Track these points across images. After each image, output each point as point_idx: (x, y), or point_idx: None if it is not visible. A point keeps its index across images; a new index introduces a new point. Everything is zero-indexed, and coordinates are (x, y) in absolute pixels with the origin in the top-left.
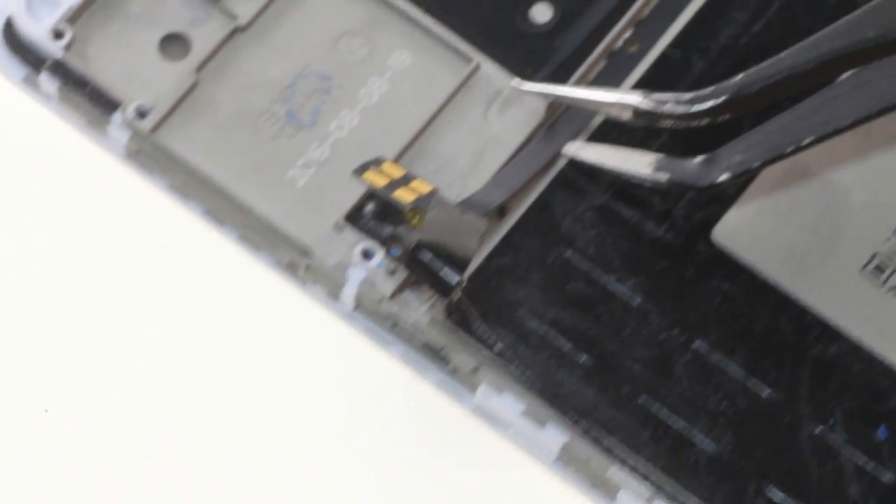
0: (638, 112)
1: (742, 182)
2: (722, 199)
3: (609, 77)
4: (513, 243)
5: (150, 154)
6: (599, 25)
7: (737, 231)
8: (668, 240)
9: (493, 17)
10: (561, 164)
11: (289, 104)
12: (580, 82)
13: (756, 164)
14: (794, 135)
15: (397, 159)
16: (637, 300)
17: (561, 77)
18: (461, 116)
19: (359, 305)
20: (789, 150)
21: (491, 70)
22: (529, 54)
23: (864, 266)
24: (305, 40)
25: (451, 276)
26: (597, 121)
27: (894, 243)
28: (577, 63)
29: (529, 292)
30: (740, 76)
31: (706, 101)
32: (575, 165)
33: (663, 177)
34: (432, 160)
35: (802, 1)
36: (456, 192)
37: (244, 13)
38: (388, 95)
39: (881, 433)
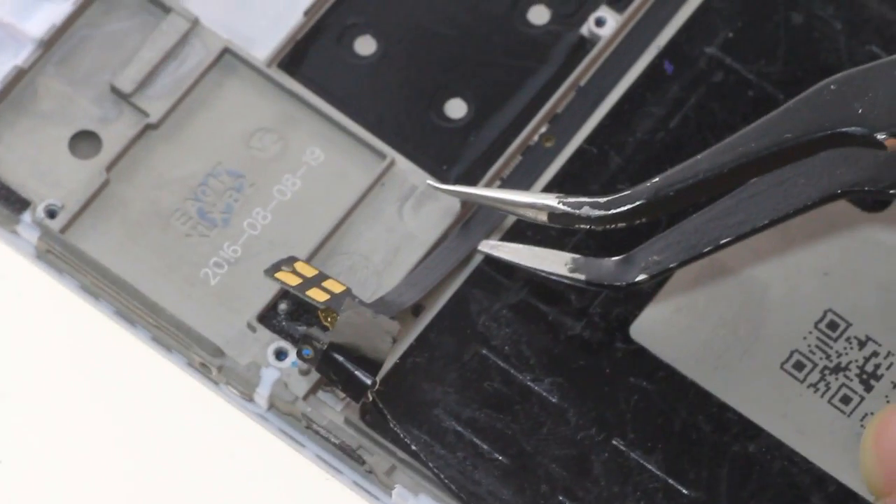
0: (553, 215)
1: (660, 279)
2: (640, 296)
3: (525, 172)
4: (428, 342)
5: (60, 254)
6: (514, 121)
7: (654, 328)
8: (585, 337)
9: (407, 113)
10: (476, 261)
11: (201, 202)
12: (496, 178)
13: (673, 265)
14: (711, 235)
15: (311, 257)
16: (555, 398)
17: (477, 172)
18: (376, 213)
19: (272, 406)
20: (706, 250)
21: (405, 166)
22: (444, 150)
23: (784, 363)
24: (217, 138)
25: (363, 378)
26: (511, 218)
27: (813, 340)
28: (493, 158)
29: (445, 391)
30: (657, 179)
31: (622, 204)
32: (491, 262)
33: (580, 277)
34: (347, 257)
35: (718, 97)
36: (371, 289)
37: (155, 111)
38: (301, 192)
39: None
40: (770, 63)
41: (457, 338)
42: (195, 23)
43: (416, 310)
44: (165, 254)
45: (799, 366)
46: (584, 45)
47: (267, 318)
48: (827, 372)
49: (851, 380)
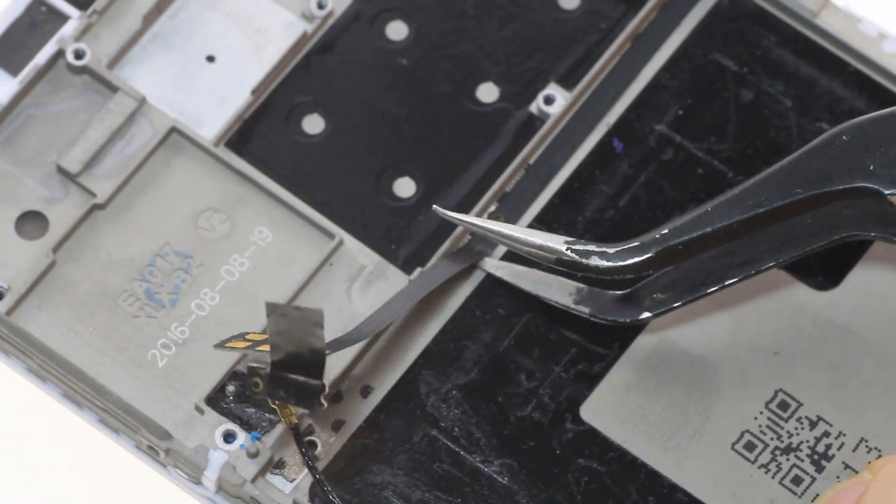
0: (560, 261)
1: (609, 359)
2: (589, 375)
3: (475, 249)
4: (377, 423)
5: (6, 336)
6: (464, 199)
7: (605, 408)
8: (535, 418)
9: (355, 192)
10: (426, 340)
11: (148, 283)
12: (445, 255)
13: (677, 304)
14: (716, 274)
15: None
16: (505, 480)
17: (426, 251)
18: (324, 293)
19: (220, 489)
20: (711, 290)
21: (354, 246)
22: (393, 229)
23: (735, 443)
24: (165, 218)
25: (312, 383)
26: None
27: (764, 420)
28: (443, 237)
29: (395, 473)
30: (665, 231)
31: (630, 257)
32: (440, 341)
33: (584, 310)
34: None
35: (667, 174)
36: None
37: (102, 191)
38: (249, 273)
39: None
40: (720, 140)
41: (406, 419)
42: (142, 102)
43: (365, 391)
44: (113, 335)
45: (750, 446)
46: (534, 122)
47: (215, 400)
48: (778, 452)
49: (803, 460)
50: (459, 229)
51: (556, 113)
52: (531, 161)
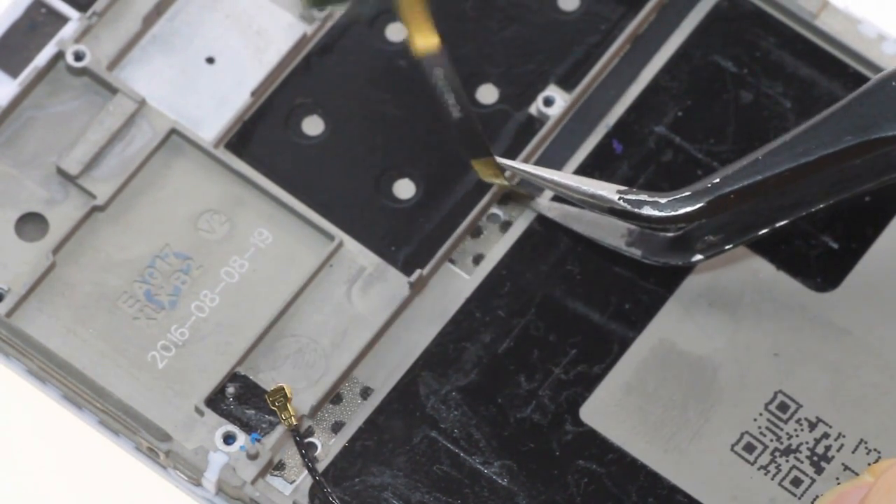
0: (613, 210)
1: (609, 360)
2: (589, 377)
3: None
4: (377, 425)
5: (6, 338)
6: (463, 200)
7: (604, 410)
8: (535, 420)
9: (355, 193)
10: (425, 342)
11: (148, 285)
12: (444, 258)
13: (728, 246)
14: (767, 216)
15: (259, 339)
16: (504, 482)
17: (426, 253)
18: (324, 295)
19: (220, 490)
20: (762, 231)
21: (354, 247)
22: (393, 230)
23: (734, 445)
24: (165, 219)
25: None
26: None
27: (764, 422)
28: (442, 239)
29: (394, 475)
30: (716, 180)
31: (682, 207)
32: (440, 343)
33: (636, 252)
34: (295, 340)
35: (667, 176)
36: (319, 372)
37: (102, 193)
38: (249, 274)
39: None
40: (719, 142)
41: (406, 421)
42: (142, 103)
43: (365, 393)
44: (112, 337)
45: (749, 448)
46: (533, 124)
47: (214, 401)
48: (777, 454)
49: (802, 462)
50: (459, 230)
51: (555, 114)
52: (531, 162)
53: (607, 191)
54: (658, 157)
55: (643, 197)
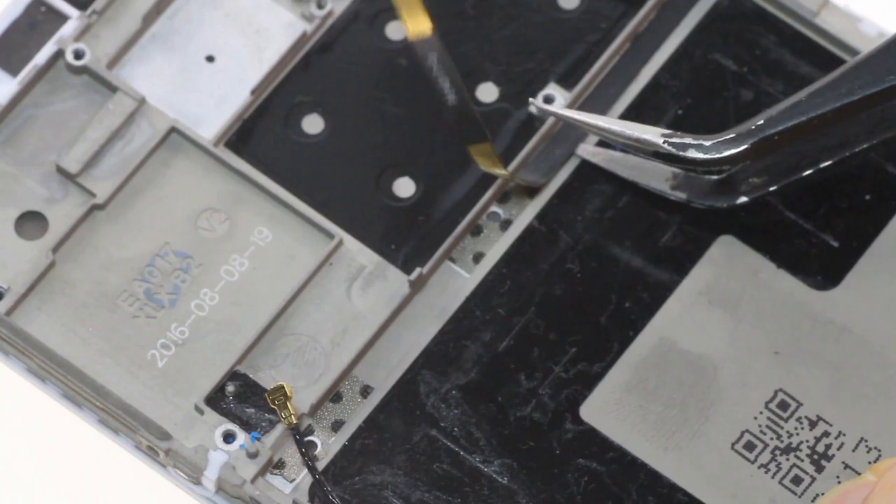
0: (657, 154)
1: (609, 359)
2: (589, 375)
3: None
4: (377, 423)
5: (5, 337)
6: (463, 199)
7: (604, 408)
8: (535, 418)
9: (355, 192)
10: (426, 340)
11: (148, 283)
12: (444, 256)
13: (773, 188)
14: (810, 157)
15: (259, 337)
16: (504, 480)
17: (426, 251)
18: (324, 293)
19: (220, 489)
20: (807, 172)
21: (354, 246)
22: (393, 229)
23: (735, 443)
24: (165, 218)
25: None
26: None
27: (764, 420)
28: (443, 237)
29: (394, 473)
30: (760, 121)
31: (726, 148)
32: (440, 341)
33: (681, 195)
34: (295, 338)
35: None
36: (319, 370)
37: (102, 191)
38: (249, 273)
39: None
40: None
41: (406, 419)
42: (142, 102)
43: (365, 391)
44: (112, 336)
45: (750, 446)
46: (533, 122)
47: (214, 400)
48: (778, 452)
49: (802, 460)
50: (459, 229)
51: (552, 113)
52: (531, 160)
53: (652, 134)
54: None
55: (688, 140)
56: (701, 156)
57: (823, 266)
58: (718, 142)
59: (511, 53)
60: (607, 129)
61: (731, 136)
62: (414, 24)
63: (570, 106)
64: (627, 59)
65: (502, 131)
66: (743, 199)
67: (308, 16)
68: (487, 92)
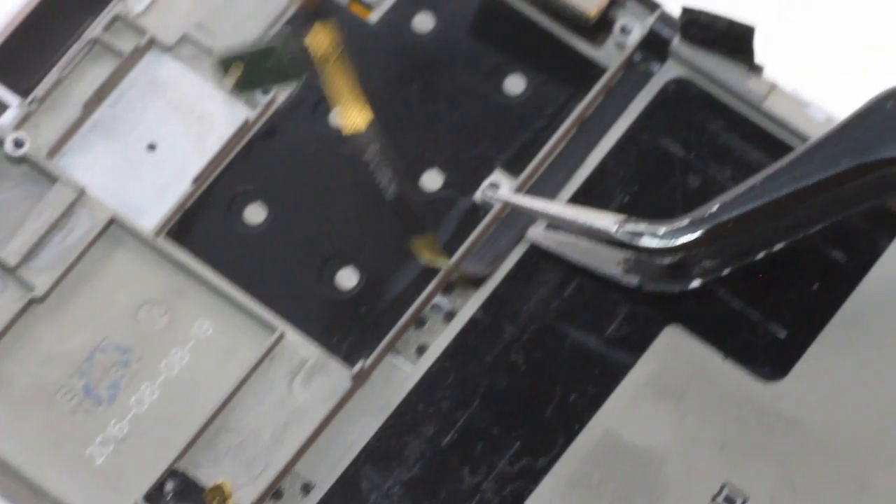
0: (612, 240)
1: (553, 453)
2: (533, 470)
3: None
4: None
5: None
6: (406, 290)
7: None
8: None
9: (297, 283)
10: (369, 434)
11: (87, 378)
12: (388, 349)
13: (725, 271)
14: (763, 238)
15: (199, 434)
16: None
17: (370, 343)
18: (265, 388)
19: None
20: (759, 255)
21: (295, 339)
22: (336, 321)
23: None
24: (104, 311)
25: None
26: None
27: None
28: (386, 329)
29: None
30: (715, 207)
31: (682, 235)
32: (382, 436)
33: (632, 280)
34: (236, 434)
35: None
36: (260, 467)
37: (41, 284)
38: (189, 367)
39: None
40: None
41: None
42: (81, 192)
43: (306, 488)
44: (50, 432)
45: None
46: (478, 210)
47: (154, 498)
48: None
49: None
50: (402, 320)
51: (501, 200)
52: (476, 250)
53: (605, 221)
54: None
55: (642, 227)
56: (655, 243)
57: (771, 357)
58: (673, 229)
59: (456, 140)
60: (559, 215)
61: (686, 222)
62: (350, 119)
63: (517, 192)
64: (574, 144)
65: (447, 219)
66: (696, 282)
67: (251, 103)
68: (432, 179)
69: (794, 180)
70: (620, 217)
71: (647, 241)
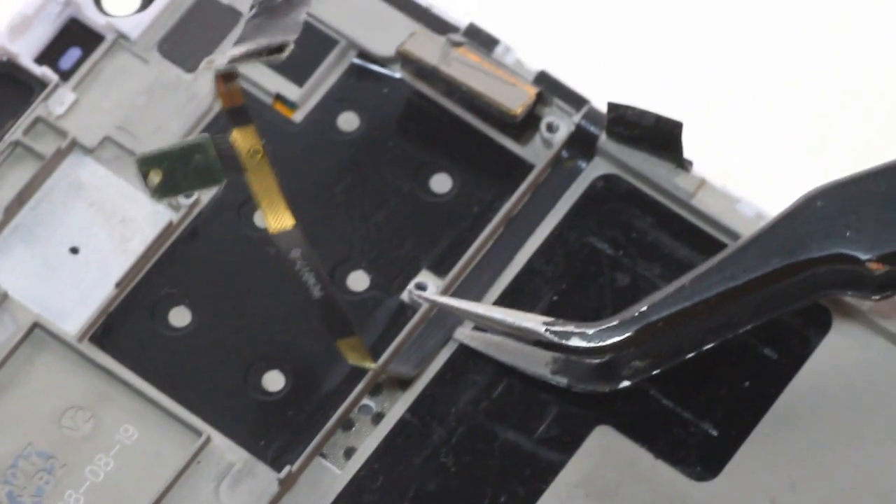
0: (540, 342)
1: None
2: None
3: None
4: None
5: None
6: (334, 392)
7: None
8: None
9: (223, 386)
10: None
11: (10, 486)
12: (315, 452)
13: (656, 371)
14: (693, 339)
15: None
16: None
17: (297, 446)
18: (191, 493)
19: None
20: (689, 354)
21: (222, 443)
22: (262, 424)
23: None
24: (27, 417)
25: None
26: None
27: None
28: (314, 432)
29: None
30: (644, 307)
31: (610, 336)
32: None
33: (562, 380)
34: None
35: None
36: None
37: None
38: (114, 473)
39: None
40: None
41: None
42: (4, 296)
43: None
44: None
45: None
46: (405, 310)
47: None
48: None
49: None
50: (330, 423)
51: (428, 301)
52: (403, 351)
53: (533, 322)
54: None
55: (570, 328)
56: (584, 344)
57: (703, 456)
58: (601, 329)
59: (382, 240)
60: (487, 316)
61: (615, 323)
62: (275, 219)
63: (444, 293)
64: (501, 243)
65: (373, 320)
66: (625, 383)
67: (174, 205)
68: (358, 280)
69: (724, 280)
70: (548, 319)
71: (576, 342)
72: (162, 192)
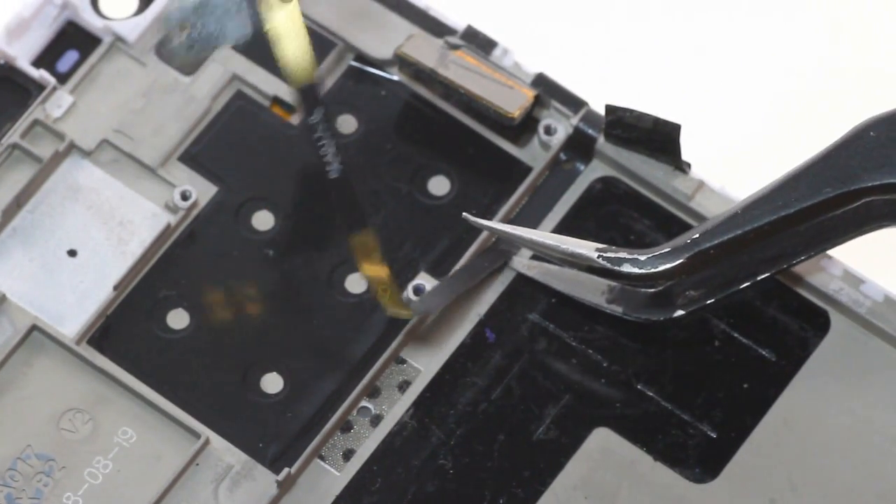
0: (592, 268)
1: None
2: None
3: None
4: None
5: None
6: (332, 394)
7: None
8: None
9: (221, 389)
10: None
11: (9, 488)
12: (314, 454)
13: (710, 301)
14: (748, 269)
15: None
16: None
17: (296, 448)
18: (190, 495)
19: None
20: (744, 285)
21: (220, 445)
22: (261, 426)
23: None
24: (26, 419)
25: None
26: None
27: None
28: (312, 434)
29: None
30: (696, 235)
31: (661, 263)
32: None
33: (617, 309)
34: None
35: (541, 365)
36: None
37: None
38: (113, 475)
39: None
40: (593, 329)
41: None
42: (2, 299)
43: None
44: None
45: None
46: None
47: None
48: None
49: None
50: (328, 425)
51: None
52: (401, 354)
53: (586, 249)
54: (532, 345)
55: (623, 254)
56: (636, 270)
57: (701, 458)
58: (653, 256)
59: (380, 242)
60: (541, 243)
61: (667, 250)
62: (299, 68)
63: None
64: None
65: (371, 324)
66: (679, 312)
67: (172, 207)
68: (356, 282)
69: (776, 209)
70: (601, 245)
71: (628, 268)
72: (195, 49)
